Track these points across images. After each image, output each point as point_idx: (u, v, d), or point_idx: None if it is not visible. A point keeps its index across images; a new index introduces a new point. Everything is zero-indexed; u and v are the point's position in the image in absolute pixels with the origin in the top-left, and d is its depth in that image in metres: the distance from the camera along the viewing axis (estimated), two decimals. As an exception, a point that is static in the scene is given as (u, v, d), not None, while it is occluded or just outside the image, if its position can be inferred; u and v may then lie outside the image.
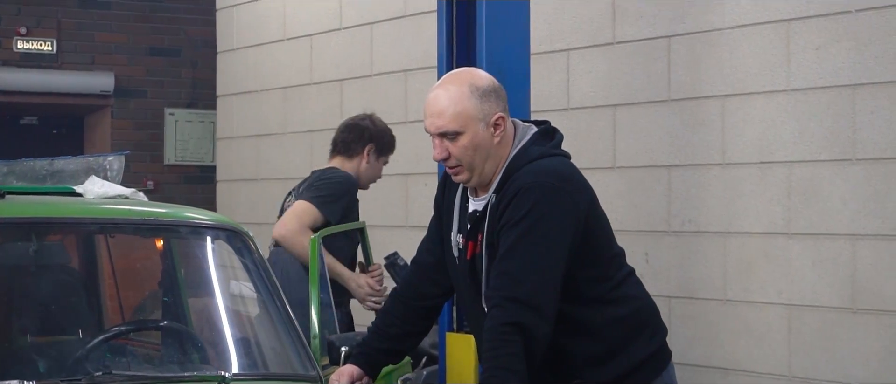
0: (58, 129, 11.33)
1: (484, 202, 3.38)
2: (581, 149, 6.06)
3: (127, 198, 4.10)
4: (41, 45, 10.43)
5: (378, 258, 5.41)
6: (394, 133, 5.41)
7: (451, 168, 3.39)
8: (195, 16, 10.71)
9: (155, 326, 4.10)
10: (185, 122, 10.84)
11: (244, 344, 3.87)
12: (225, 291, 3.97)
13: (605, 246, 3.44)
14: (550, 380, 3.36)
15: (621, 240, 3.62)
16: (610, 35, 6.07)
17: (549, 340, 3.24)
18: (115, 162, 4.41)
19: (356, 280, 5.24)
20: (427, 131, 3.38)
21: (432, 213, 3.63)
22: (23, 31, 10.35)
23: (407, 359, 4.37)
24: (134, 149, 10.34)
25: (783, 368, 5.35)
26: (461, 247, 3.42)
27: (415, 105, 7.21)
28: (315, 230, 4.91)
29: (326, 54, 8.07)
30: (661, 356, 3.51)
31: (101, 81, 10.57)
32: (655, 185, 5.87)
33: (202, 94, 10.62)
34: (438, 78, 4.53)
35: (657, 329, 3.53)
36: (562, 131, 3.56)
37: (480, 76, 3.41)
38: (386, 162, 5.44)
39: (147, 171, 10.58)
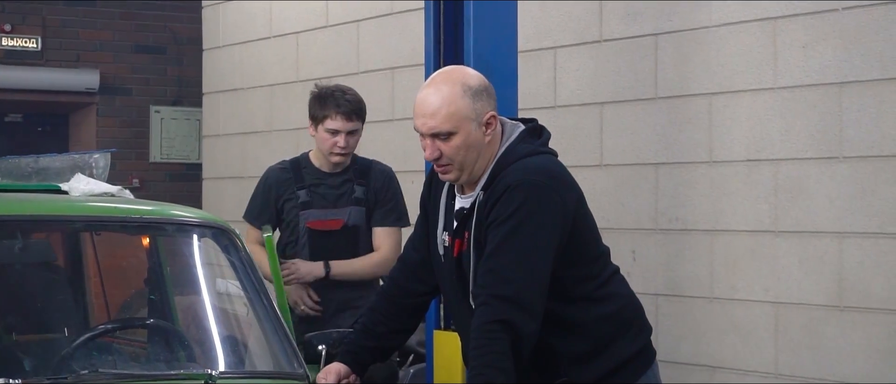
0: (43, 127, 11.29)
1: (471, 199, 3.37)
2: (568, 146, 6.06)
3: (113, 195, 4.09)
4: (26, 42, 10.39)
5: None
6: (329, 89, 5.05)
7: (440, 167, 3.37)
8: (181, 13, 10.68)
9: (141, 324, 4.09)
10: (171, 119, 10.81)
11: (231, 342, 3.86)
12: (211, 289, 3.96)
13: (591, 244, 3.44)
14: (536, 379, 3.36)
15: (608, 238, 3.62)
16: (597, 33, 6.06)
17: (536, 338, 3.24)
18: (101, 159, 4.39)
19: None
20: (418, 131, 3.36)
21: (418, 211, 3.62)
22: (7, 28, 10.30)
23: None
24: (119, 146, 10.30)
25: (770, 366, 5.36)
26: (447, 244, 3.41)
27: (402, 103, 7.20)
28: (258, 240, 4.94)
29: (313, 52, 8.05)
30: (646, 354, 3.52)
31: (87, 79, 10.53)
32: (642, 183, 5.87)
33: (188, 92, 10.59)
34: (426, 76, 4.53)
35: (642, 327, 3.53)
36: (549, 129, 3.55)
37: (471, 75, 3.39)
38: (331, 130, 4.97)
39: (133, 169, 10.54)
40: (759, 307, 5.41)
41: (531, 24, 6.25)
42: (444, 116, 3.30)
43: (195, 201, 9.31)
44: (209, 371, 3.51)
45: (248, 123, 8.68)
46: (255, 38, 8.60)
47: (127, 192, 4.16)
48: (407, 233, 3.95)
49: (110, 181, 4.25)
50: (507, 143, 3.39)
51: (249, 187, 8.72)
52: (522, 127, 3.44)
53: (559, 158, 3.49)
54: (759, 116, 5.41)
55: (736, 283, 5.50)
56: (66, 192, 4.11)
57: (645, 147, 5.86)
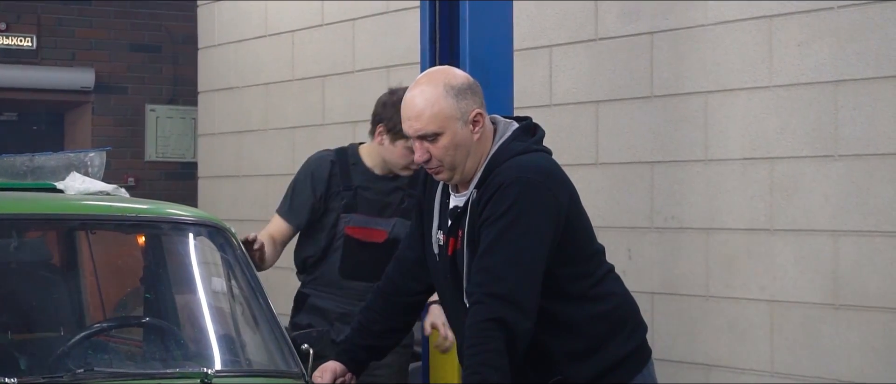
0: (38, 126, 11.28)
1: (465, 198, 3.37)
2: (564, 145, 6.06)
3: (108, 194, 4.08)
4: (21, 40, 10.39)
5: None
6: None
7: (432, 169, 3.38)
8: (176, 12, 10.68)
9: (137, 323, 4.08)
10: (166, 118, 10.81)
11: (227, 340, 3.86)
12: (207, 288, 3.96)
13: (585, 242, 3.44)
14: (531, 377, 3.35)
15: (604, 237, 3.62)
16: (593, 31, 6.06)
17: (530, 336, 3.24)
18: (97, 158, 4.38)
19: None
20: (406, 134, 3.37)
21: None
22: (2, 26, 10.30)
23: None
24: (115, 145, 10.31)
25: (765, 364, 5.36)
26: (441, 243, 3.41)
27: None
28: (283, 236, 4.73)
29: (308, 50, 8.05)
30: (641, 353, 3.51)
31: (82, 77, 10.53)
32: (638, 182, 5.87)
33: (183, 91, 10.59)
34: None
35: (637, 326, 3.53)
36: (544, 127, 3.55)
37: (455, 74, 3.39)
38: (410, 147, 4.23)
39: (128, 168, 10.55)
40: (755, 305, 5.41)
41: (527, 23, 6.24)
42: (428, 118, 3.31)
43: (191, 200, 9.31)
44: (205, 369, 3.51)
45: (244, 122, 8.67)
46: (251, 36, 8.59)
47: (122, 190, 4.16)
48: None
49: (106, 180, 4.24)
50: (501, 141, 3.39)
51: (245, 186, 8.77)
52: (516, 125, 3.44)
53: (554, 157, 3.49)
54: (755, 115, 5.41)
55: (732, 282, 5.50)
56: (61, 191, 4.10)
57: (641, 145, 5.86)
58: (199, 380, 3.45)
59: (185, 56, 10.43)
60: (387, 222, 4.56)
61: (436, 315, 4.30)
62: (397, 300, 3.63)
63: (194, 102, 9.56)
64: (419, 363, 5.41)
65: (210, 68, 9.11)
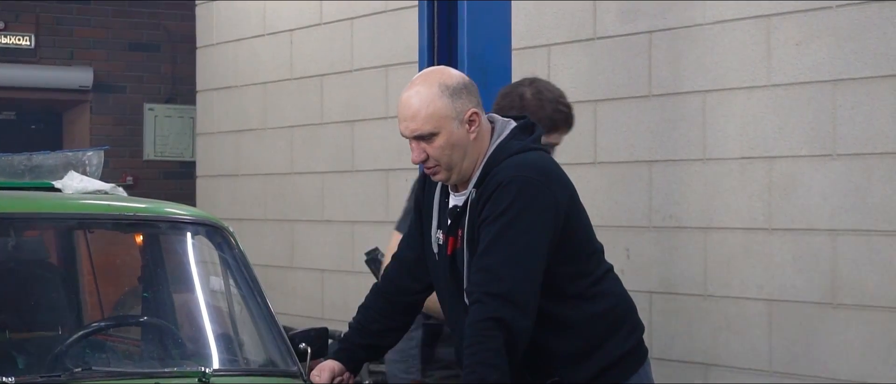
0: (36, 125, 11.28)
1: (464, 197, 3.37)
2: (562, 144, 6.05)
3: (106, 193, 4.08)
4: (19, 39, 10.39)
5: (357, 256, 5.38)
6: (562, 106, 4.21)
7: (429, 169, 3.37)
8: (174, 11, 10.68)
9: (135, 322, 4.08)
10: (165, 117, 10.81)
11: (225, 340, 3.85)
12: (205, 287, 3.96)
13: (584, 241, 3.43)
14: (527, 378, 3.35)
15: (602, 236, 3.61)
16: (591, 30, 6.06)
17: (529, 335, 3.24)
18: (95, 157, 4.39)
19: None
20: (402, 135, 3.37)
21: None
22: (1, 25, 10.30)
23: None
24: (113, 144, 10.30)
25: (764, 363, 5.36)
26: (441, 242, 3.41)
27: (396, 101, 7.13)
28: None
29: (306, 49, 8.05)
30: (638, 353, 3.51)
31: (80, 76, 10.53)
32: (636, 181, 5.87)
33: (182, 90, 10.59)
34: (419, 74, 4.52)
35: (635, 326, 3.52)
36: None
37: (450, 74, 3.39)
38: (552, 143, 4.19)
39: (126, 167, 10.55)
40: (753, 304, 5.41)
41: (525, 22, 6.24)
42: (424, 118, 3.30)
43: (189, 199, 9.30)
44: (203, 369, 3.51)
45: (242, 121, 8.67)
46: (249, 35, 8.59)
47: (120, 189, 4.16)
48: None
49: (104, 179, 4.24)
50: (499, 140, 3.39)
51: (243, 185, 8.77)
52: (513, 124, 3.44)
53: (553, 155, 3.49)
54: (753, 114, 5.41)
55: (730, 281, 5.50)
56: (59, 190, 4.10)
57: (639, 144, 5.86)
58: (197, 380, 3.45)
59: (183, 55, 10.43)
60: None
61: None
62: (396, 299, 3.63)
63: (193, 101, 9.56)
64: (417, 362, 5.40)
65: (208, 67, 9.11)
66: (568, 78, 6.18)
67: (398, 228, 4.28)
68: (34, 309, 3.97)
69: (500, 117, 3.47)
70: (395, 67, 7.23)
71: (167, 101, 10.80)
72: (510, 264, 3.21)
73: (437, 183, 3.47)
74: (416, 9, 5.16)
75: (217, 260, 3.94)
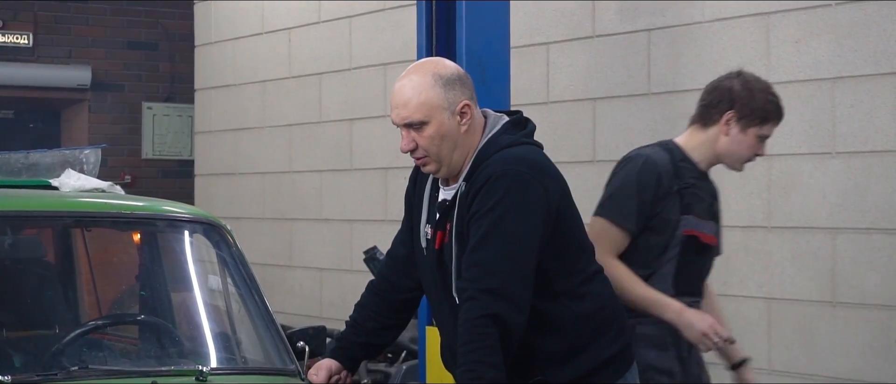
0: (34, 123, 11.27)
1: (453, 191, 3.35)
2: (561, 142, 6.05)
3: (103, 191, 4.07)
4: (17, 38, 10.38)
5: (356, 254, 5.37)
6: (772, 96, 4.00)
7: (418, 159, 3.36)
8: (173, 9, 10.67)
9: (131, 321, 4.07)
10: (163, 115, 10.80)
11: (222, 338, 3.84)
12: (203, 285, 3.94)
13: (574, 238, 3.40)
14: (511, 377, 3.32)
15: (601, 234, 3.61)
16: (590, 28, 6.05)
17: (523, 329, 3.22)
18: (92, 155, 4.38)
19: (678, 315, 3.85)
20: (394, 123, 3.36)
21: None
22: (-1, 24, 10.29)
23: None
24: (111, 143, 10.29)
25: (763, 361, 5.35)
26: (429, 237, 3.39)
27: (394, 99, 7.18)
28: (622, 249, 3.87)
29: (305, 48, 8.04)
30: (625, 356, 3.47)
31: (78, 75, 10.52)
32: (635, 179, 5.85)
33: (180, 88, 10.58)
34: (417, 71, 4.51)
35: (622, 328, 3.48)
36: (541, 125, 3.53)
37: (445, 65, 3.37)
38: (763, 135, 4.00)
39: (125, 165, 10.54)
40: (752, 303, 5.40)
41: (524, 20, 6.23)
42: (415, 106, 3.29)
43: (187, 198, 9.29)
44: (200, 367, 3.49)
45: (241, 119, 8.66)
46: (248, 34, 8.58)
47: (117, 187, 4.15)
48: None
49: (102, 177, 4.23)
50: (490, 134, 3.36)
51: (241, 184, 8.77)
52: (506, 118, 3.42)
53: (551, 154, 3.47)
54: (752, 112, 5.40)
55: (729, 279, 5.49)
56: (56, 188, 4.09)
57: (638, 142, 5.80)
58: (194, 378, 3.43)
59: (181, 54, 10.42)
60: (711, 225, 4.06)
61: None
62: (391, 297, 3.61)
63: (191, 100, 9.55)
64: (416, 361, 5.40)
65: (207, 66, 9.10)
66: (566, 76, 6.18)
67: (610, 214, 3.97)
68: (31, 307, 3.95)
69: (492, 111, 3.45)
70: (394, 66, 7.22)
71: (165, 100, 10.79)
72: (503, 259, 3.19)
73: (427, 178, 3.45)
74: (415, 7, 5.15)
75: (215, 258, 3.93)
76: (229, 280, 3.89)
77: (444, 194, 3.39)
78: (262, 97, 8.44)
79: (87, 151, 4.38)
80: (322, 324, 4.12)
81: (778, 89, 5.30)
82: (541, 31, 6.28)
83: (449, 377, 4.70)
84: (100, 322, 4.01)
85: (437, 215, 3.37)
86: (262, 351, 3.77)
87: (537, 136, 3.50)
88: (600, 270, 3.48)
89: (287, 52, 8.19)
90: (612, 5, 5.94)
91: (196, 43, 9.26)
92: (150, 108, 10.78)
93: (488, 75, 4.92)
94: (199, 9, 9.23)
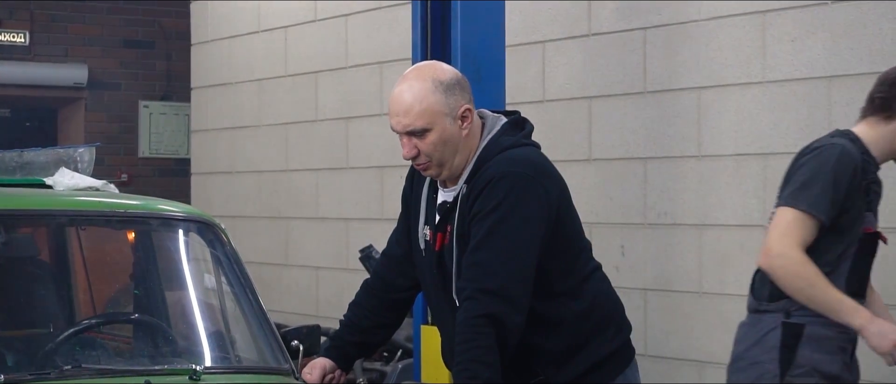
0: (31, 122, 11.26)
1: (454, 193, 3.35)
2: (557, 141, 6.05)
3: (97, 190, 4.06)
4: (14, 37, 10.37)
5: (352, 253, 5.35)
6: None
7: (420, 165, 3.35)
8: (169, 8, 10.66)
9: (125, 320, 4.06)
10: (160, 114, 10.79)
11: (216, 337, 3.83)
12: (197, 284, 3.94)
13: (573, 238, 3.41)
14: (512, 377, 3.32)
15: (597, 233, 3.62)
16: (585, 27, 6.05)
17: (521, 331, 3.22)
18: (86, 154, 4.37)
19: (869, 322, 3.67)
20: (394, 130, 3.34)
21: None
22: (-5, 22, 10.28)
23: None
24: (108, 141, 10.28)
25: (758, 361, 5.35)
26: (429, 238, 3.39)
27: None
28: (809, 244, 3.65)
29: (301, 46, 8.03)
30: (624, 353, 3.48)
31: (75, 73, 10.51)
32: (631, 178, 5.86)
33: (176, 87, 10.58)
34: (412, 71, 4.50)
35: (621, 326, 3.49)
36: (538, 123, 3.53)
37: (443, 69, 3.37)
38: None
39: (121, 164, 10.53)
40: (748, 302, 5.39)
41: (520, 19, 6.23)
42: (417, 113, 3.28)
43: (184, 196, 9.29)
44: (194, 366, 3.49)
45: (237, 118, 8.65)
46: (244, 32, 8.57)
47: (111, 186, 4.14)
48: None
49: (98, 176, 4.22)
50: (490, 136, 3.37)
51: (238, 182, 8.76)
52: (504, 120, 3.42)
53: (547, 153, 3.47)
54: (748, 110, 5.40)
55: (725, 278, 5.48)
56: (50, 187, 4.08)
57: (634, 141, 5.85)
58: (187, 377, 3.43)
59: (178, 52, 10.42)
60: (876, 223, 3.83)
61: None
62: (385, 296, 3.61)
63: (187, 98, 9.54)
64: (411, 359, 5.39)
65: (203, 64, 9.10)
66: (562, 74, 6.17)
67: (807, 206, 3.74)
68: (24, 306, 3.94)
69: (490, 112, 3.45)
70: (390, 64, 7.22)
71: (162, 98, 10.78)
72: (503, 260, 3.20)
73: (424, 179, 3.45)
74: (410, 5, 5.15)
75: (209, 257, 3.92)
76: (223, 279, 3.88)
77: (445, 196, 3.39)
78: (259, 96, 8.44)
79: (81, 150, 4.37)
80: (316, 323, 4.12)
81: (773, 88, 5.33)
82: (537, 30, 6.28)
83: (444, 376, 4.71)
84: (93, 321, 4.00)
85: (437, 217, 3.37)
86: (256, 350, 3.76)
87: (533, 135, 3.50)
88: (598, 268, 3.49)
89: (283, 51, 8.19)
90: (608, 4, 5.94)
91: (192, 41, 9.25)
92: (146, 106, 10.77)
93: (483, 74, 4.92)
94: (195, 7, 9.22)
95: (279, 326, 3.99)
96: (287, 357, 3.68)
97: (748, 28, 5.39)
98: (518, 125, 3.43)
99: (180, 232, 4.00)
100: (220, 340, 3.83)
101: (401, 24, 6.90)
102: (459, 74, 3.37)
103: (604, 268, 3.55)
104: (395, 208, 6.57)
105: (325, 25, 7.81)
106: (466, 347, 3.18)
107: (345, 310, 3.71)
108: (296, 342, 3.71)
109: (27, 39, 10.40)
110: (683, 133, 5.64)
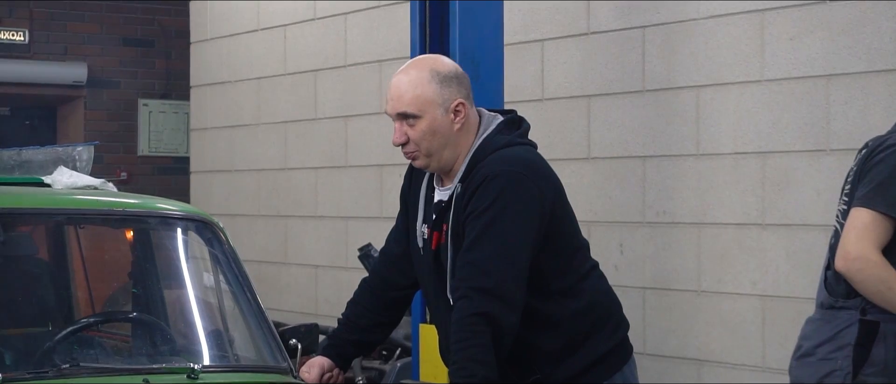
0: (30, 120, 11.26)
1: (449, 192, 3.36)
2: (555, 139, 6.05)
3: (96, 188, 4.06)
4: (13, 35, 10.36)
5: (351, 251, 5.36)
6: None
7: (408, 153, 3.38)
8: (168, 6, 10.65)
9: (123, 318, 4.06)
10: (159, 112, 10.79)
11: (214, 335, 3.84)
12: (195, 282, 3.94)
13: (570, 237, 3.42)
14: (509, 376, 3.33)
15: (596, 232, 3.62)
16: (584, 25, 6.05)
17: (516, 330, 3.22)
18: (85, 152, 4.37)
19: None
20: (388, 114, 3.38)
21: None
22: (-6, 21, 10.28)
23: None
24: (107, 140, 10.28)
25: (757, 359, 5.35)
26: (426, 237, 3.40)
27: (389, 96, 7.17)
28: (886, 246, 3.54)
29: (300, 45, 8.03)
30: (622, 351, 3.48)
31: (74, 72, 10.50)
32: (630, 176, 5.86)
33: (176, 85, 10.57)
34: (411, 68, 4.51)
35: (619, 323, 3.49)
36: (536, 122, 3.54)
37: (443, 62, 3.40)
38: None
39: (121, 162, 10.52)
40: (747, 300, 5.40)
41: (518, 17, 6.23)
42: (409, 99, 3.32)
43: (183, 195, 9.29)
44: (192, 365, 3.49)
45: (236, 116, 8.65)
46: (243, 30, 8.57)
47: (110, 184, 4.14)
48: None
49: (98, 174, 4.22)
50: (485, 135, 3.38)
51: (237, 181, 8.75)
52: (500, 118, 3.43)
53: (546, 151, 3.48)
54: (747, 109, 5.40)
55: (723, 277, 5.49)
56: (48, 186, 4.08)
57: (632, 140, 5.85)
58: (186, 376, 3.43)
59: (177, 51, 10.41)
60: None
61: None
62: (384, 295, 3.62)
63: (187, 97, 9.54)
64: (410, 358, 5.40)
65: (202, 63, 9.09)
66: (561, 73, 6.17)
67: (888, 208, 3.60)
68: (23, 305, 3.94)
69: (487, 111, 3.46)
70: (389, 62, 7.22)
71: (161, 97, 10.78)
72: (497, 259, 3.20)
73: (423, 178, 3.46)
74: (409, 4, 5.15)
75: (207, 255, 3.92)
76: (222, 277, 3.88)
77: (440, 195, 3.40)
78: (258, 94, 8.44)
79: (79, 148, 4.37)
80: (315, 322, 4.12)
81: (771, 86, 5.33)
82: (535, 28, 6.28)
83: (443, 375, 4.71)
84: (92, 320, 4.01)
85: (434, 216, 3.38)
86: (254, 348, 3.77)
87: (532, 134, 3.51)
88: (596, 266, 3.49)
89: (282, 49, 8.19)
90: (607, 2, 5.94)
91: (192, 40, 9.24)
92: (145, 104, 10.77)
93: (482, 72, 4.92)
94: (194, 6, 9.21)
95: (278, 325, 3.99)
96: (285, 355, 3.69)
97: (747, 27, 5.39)
98: (514, 124, 3.44)
99: (179, 231, 4.00)
100: (219, 339, 3.83)
101: (400, 23, 6.90)
102: (460, 70, 3.40)
103: (602, 267, 3.55)
104: (394, 206, 6.58)
105: (324, 24, 7.81)
106: (462, 346, 3.18)
107: (344, 308, 3.72)
108: (294, 340, 3.71)
109: (26, 37, 10.39)
110: (682, 132, 5.64)
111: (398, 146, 3.38)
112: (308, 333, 3.80)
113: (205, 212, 4.03)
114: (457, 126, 3.34)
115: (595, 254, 3.58)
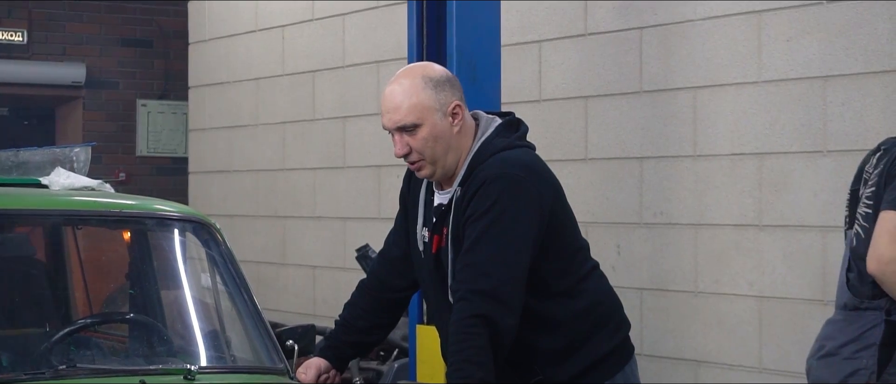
0: (29, 121, 11.26)
1: (449, 195, 3.36)
2: (553, 140, 6.05)
3: (93, 189, 4.07)
4: (12, 35, 10.36)
5: (349, 252, 5.36)
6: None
7: (412, 163, 3.37)
8: (167, 6, 10.65)
9: (120, 319, 4.06)
10: (158, 113, 10.78)
11: (211, 336, 3.84)
12: (192, 284, 3.94)
13: (569, 238, 3.42)
14: (511, 377, 3.33)
15: (593, 233, 3.62)
16: (582, 26, 6.05)
17: (515, 332, 3.23)
18: (82, 153, 4.37)
19: None
20: (386, 128, 3.36)
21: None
22: (-7, 21, 10.27)
23: None
24: (106, 140, 10.28)
25: (754, 360, 5.36)
26: (426, 240, 3.40)
27: (387, 96, 7.17)
28: None
29: (298, 45, 8.03)
30: (623, 351, 3.49)
31: (73, 72, 10.50)
32: (627, 177, 5.86)
33: (174, 86, 10.57)
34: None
35: (620, 324, 3.50)
36: (534, 123, 3.54)
37: (433, 68, 3.40)
38: None
39: (119, 163, 10.52)
40: (744, 301, 5.40)
41: (516, 18, 6.23)
42: (407, 109, 3.31)
43: (182, 195, 9.29)
44: (189, 366, 3.49)
45: (235, 117, 8.66)
46: (241, 31, 8.57)
47: (107, 185, 4.14)
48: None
49: (96, 175, 4.22)
50: (484, 137, 3.38)
51: (236, 181, 8.75)
52: (498, 121, 3.43)
53: (543, 152, 3.48)
54: (744, 110, 5.41)
55: (720, 278, 5.49)
56: (45, 186, 4.08)
57: (629, 141, 5.85)
58: (182, 377, 3.43)
59: (176, 51, 10.41)
60: None
61: None
62: (382, 297, 3.62)
63: (185, 97, 9.55)
64: (407, 359, 5.40)
65: (201, 63, 9.10)
66: (559, 74, 6.18)
67: None
68: (20, 306, 3.95)
69: (484, 114, 3.46)
70: (387, 63, 7.22)
71: (160, 97, 10.77)
72: (496, 261, 3.21)
73: (422, 180, 3.46)
74: (407, 5, 5.15)
75: (204, 257, 3.92)
76: (219, 279, 3.89)
77: (440, 198, 3.41)
78: (256, 94, 8.44)
79: (77, 149, 4.37)
80: (311, 323, 4.12)
81: (768, 88, 5.33)
82: (533, 29, 6.28)
83: (440, 376, 4.71)
84: (89, 321, 4.01)
85: (434, 219, 3.38)
86: (251, 349, 3.77)
87: (529, 135, 3.51)
88: (596, 266, 3.50)
89: (280, 50, 8.19)
90: (605, 3, 5.94)
91: (190, 40, 9.25)
92: (144, 105, 10.76)
93: (479, 73, 4.92)
94: (193, 6, 9.22)
95: (275, 325, 4.00)
96: (282, 357, 3.69)
97: (744, 28, 5.40)
98: (512, 126, 3.44)
99: (176, 232, 4.00)
100: (215, 340, 3.83)
101: (398, 24, 6.90)
102: (450, 73, 3.40)
103: (600, 268, 3.55)
104: (392, 207, 6.58)
105: (322, 25, 7.81)
106: (459, 348, 3.19)
107: (341, 309, 3.72)
108: (291, 342, 3.71)
109: (25, 38, 10.39)
110: (679, 133, 5.65)
111: (401, 157, 3.37)
112: (305, 334, 3.81)
113: (202, 214, 4.03)
114: (456, 129, 3.34)
115: (593, 254, 3.59)
